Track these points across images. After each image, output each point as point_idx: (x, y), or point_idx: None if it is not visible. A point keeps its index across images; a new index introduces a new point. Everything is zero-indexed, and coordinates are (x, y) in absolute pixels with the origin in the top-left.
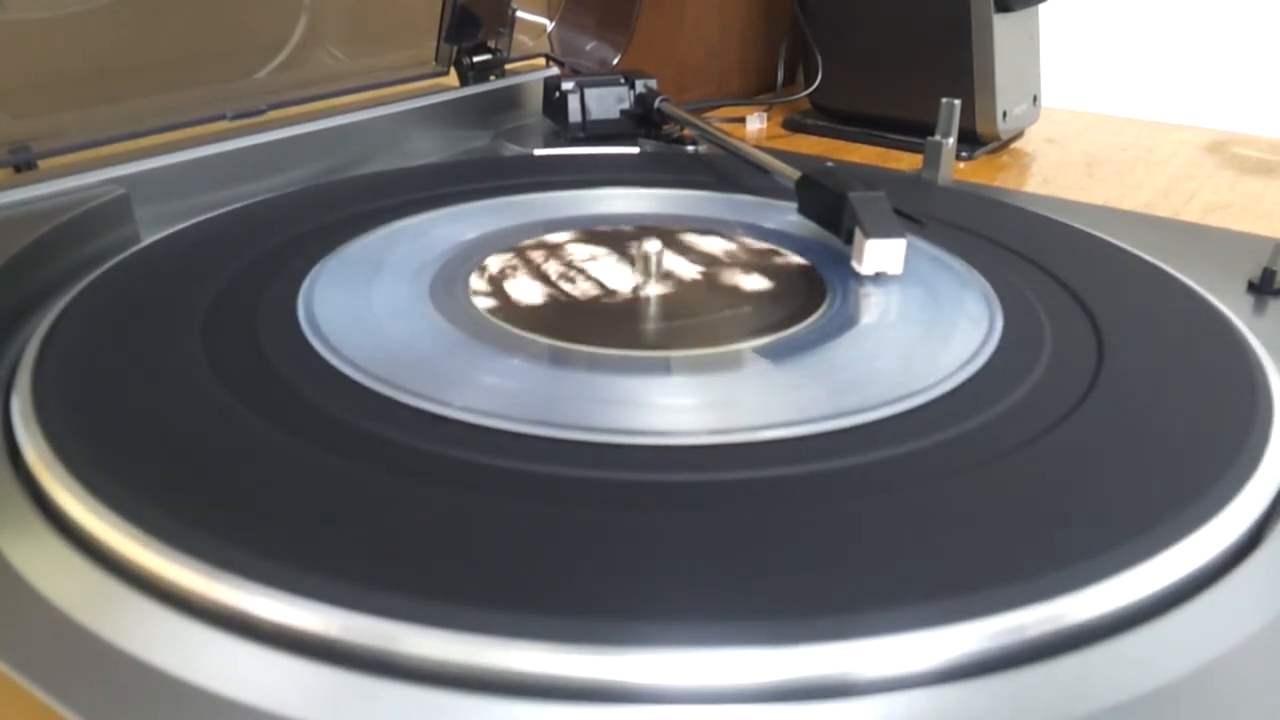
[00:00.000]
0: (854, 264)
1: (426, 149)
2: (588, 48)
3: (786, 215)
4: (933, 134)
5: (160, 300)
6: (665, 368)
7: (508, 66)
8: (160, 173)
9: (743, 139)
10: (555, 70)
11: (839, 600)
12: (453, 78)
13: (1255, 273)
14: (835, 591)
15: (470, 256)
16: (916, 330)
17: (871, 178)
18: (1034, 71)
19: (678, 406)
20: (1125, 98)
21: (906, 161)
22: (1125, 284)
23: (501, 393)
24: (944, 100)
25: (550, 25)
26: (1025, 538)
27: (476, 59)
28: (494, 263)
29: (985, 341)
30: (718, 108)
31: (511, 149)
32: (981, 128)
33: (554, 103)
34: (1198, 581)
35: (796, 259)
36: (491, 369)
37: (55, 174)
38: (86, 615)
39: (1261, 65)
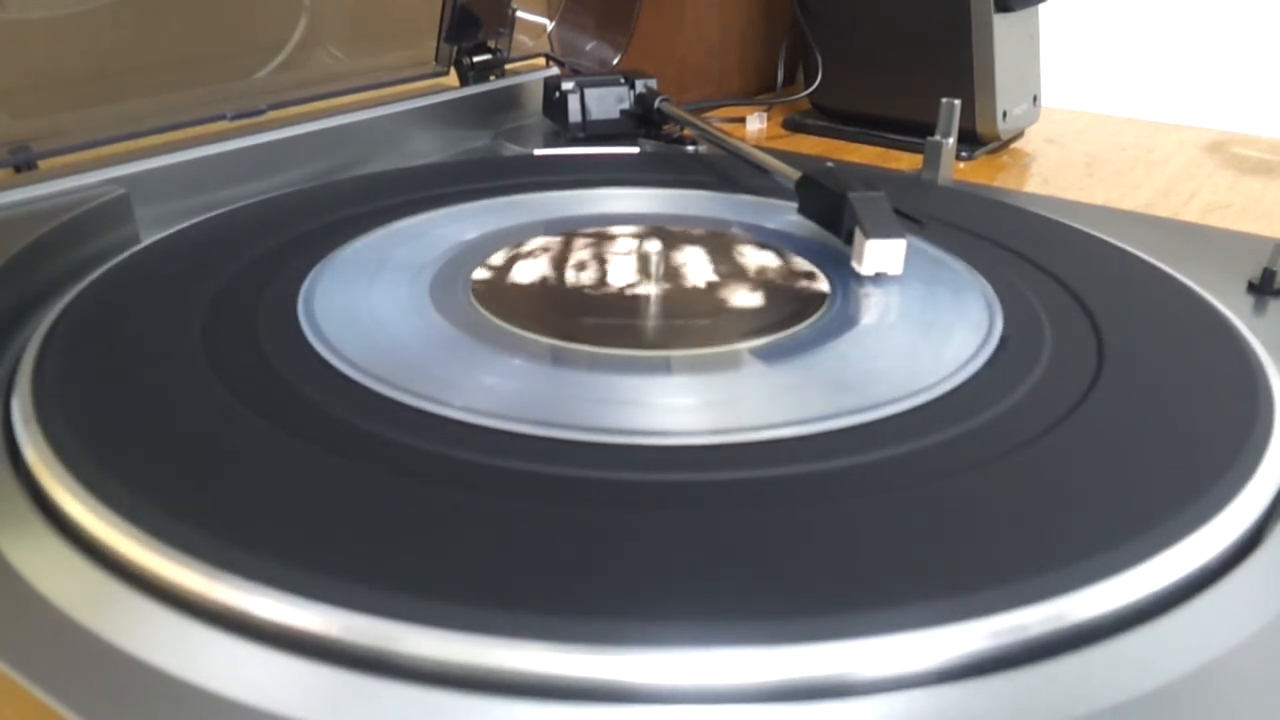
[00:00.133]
0: (854, 264)
1: (426, 149)
2: (588, 48)
3: (786, 215)
4: (933, 134)
5: (160, 300)
6: (665, 367)
7: (508, 66)
8: (160, 173)
9: (743, 139)
10: (555, 70)
11: (839, 600)
12: (453, 78)
13: (1255, 273)
14: (835, 591)
15: (470, 257)
16: (916, 330)
17: (871, 178)
18: (1034, 71)
19: (678, 406)
20: (1125, 98)
21: (906, 161)
22: (1125, 284)
23: (501, 393)
24: (944, 100)
25: (550, 25)
26: (1025, 538)
27: (476, 59)
28: (536, 243)
29: (985, 342)
30: (718, 108)
31: (511, 149)
32: (981, 128)
33: (554, 103)
34: (1198, 581)
35: (797, 259)
36: (491, 369)
37: (55, 174)
38: (86, 615)
39: (1261, 65)
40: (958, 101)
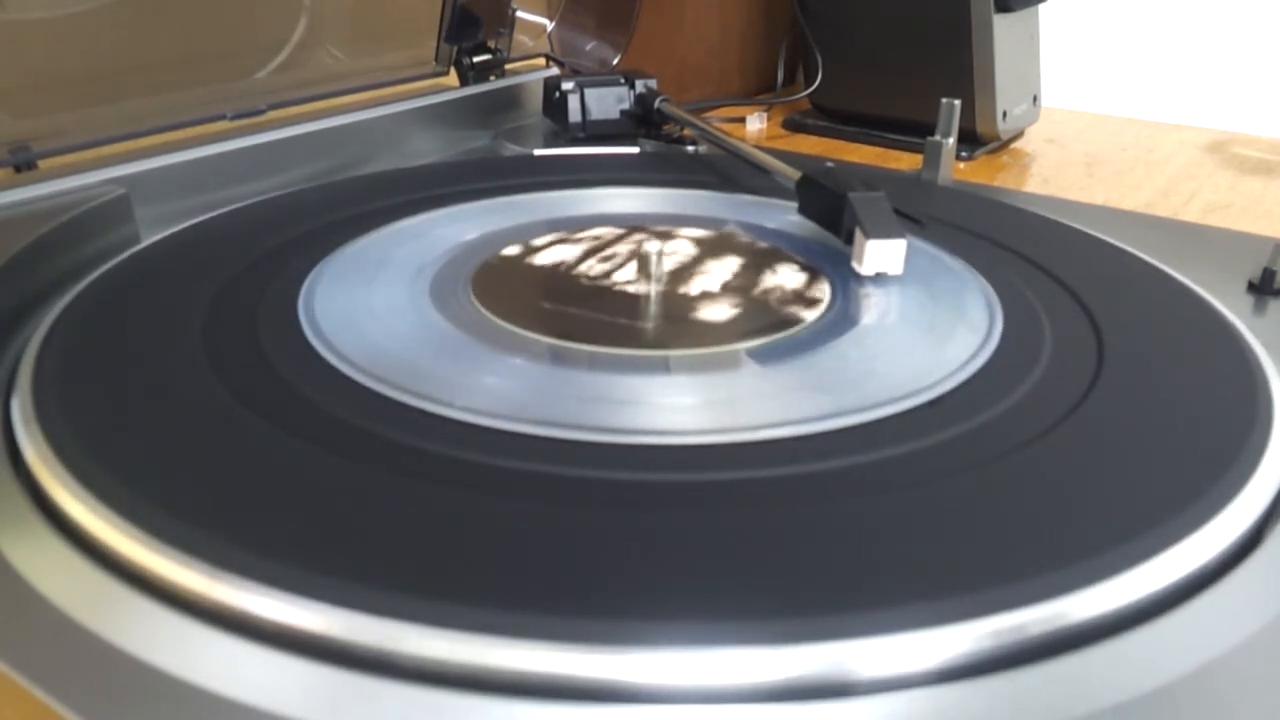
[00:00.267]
0: (854, 264)
1: (426, 149)
2: (588, 48)
3: (786, 215)
4: (933, 134)
5: (160, 300)
6: (665, 367)
7: (508, 66)
8: (160, 173)
9: (743, 139)
10: (555, 70)
11: (839, 600)
12: (453, 78)
13: (1255, 273)
14: (835, 591)
15: (470, 257)
16: (916, 330)
17: (871, 178)
18: (1034, 71)
19: (678, 406)
20: (1125, 98)
21: (906, 161)
22: (1125, 284)
23: (501, 392)
24: (944, 100)
25: (550, 25)
26: (1025, 538)
27: (476, 59)
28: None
29: (985, 342)
30: (718, 108)
31: (511, 149)
32: (981, 128)
33: (554, 103)
34: (1198, 581)
35: (797, 259)
36: (492, 369)
37: (55, 174)
38: (86, 615)
39: (1261, 65)
40: (958, 101)
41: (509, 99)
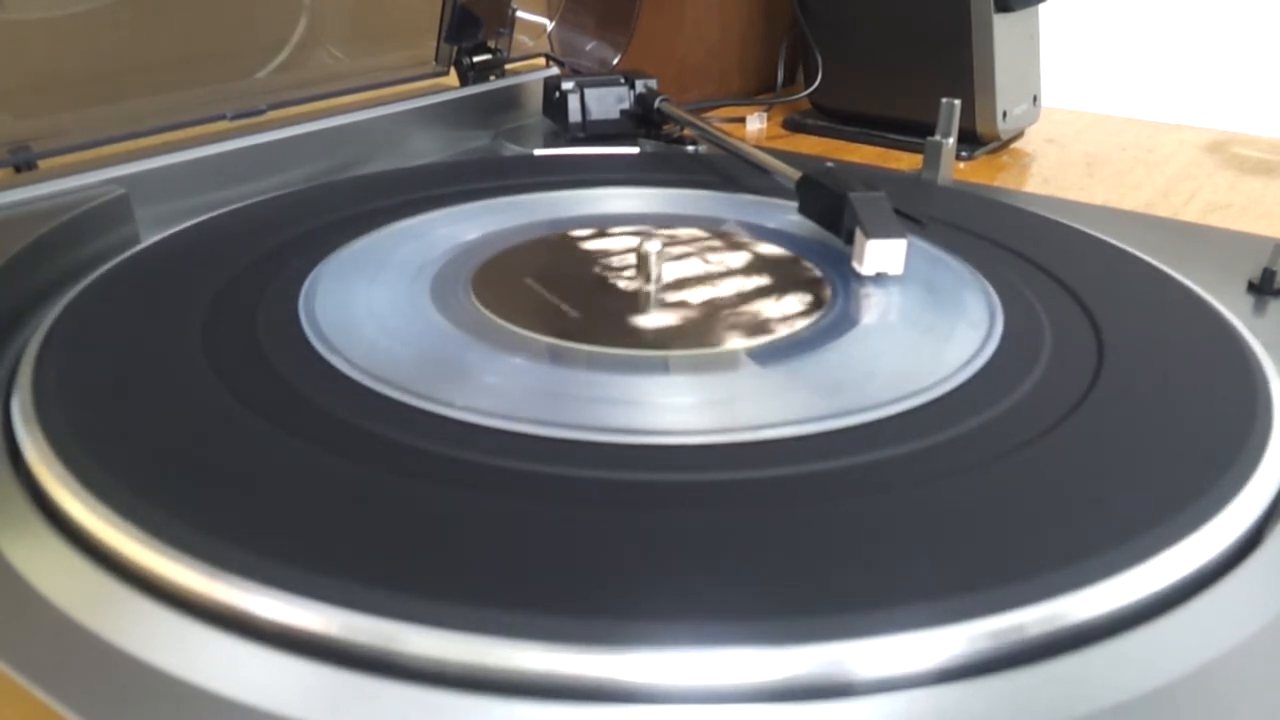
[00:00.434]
0: (854, 264)
1: (426, 149)
2: (588, 48)
3: (786, 215)
4: (933, 134)
5: (160, 300)
6: (665, 367)
7: (508, 66)
8: (160, 173)
9: (743, 139)
10: (555, 70)
11: (839, 600)
12: (453, 78)
13: (1255, 273)
14: (835, 591)
15: (470, 257)
16: (917, 330)
17: (871, 178)
18: (1034, 71)
19: (678, 406)
20: (1125, 98)
21: (906, 161)
22: (1125, 284)
23: (501, 392)
24: (944, 100)
25: (550, 25)
26: (1025, 538)
27: (476, 59)
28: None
29: (985, 342)
30: (718, 108)
31: (511, 149)
32: (981, 128)
33: (554, 103)
34: (1198, 581)
35: (797, 259)
36: (492, 369)
37: (55, 174)
38: (86, 615)
39: (1261, 65)
40: (958, 101)
41: (509, 99)
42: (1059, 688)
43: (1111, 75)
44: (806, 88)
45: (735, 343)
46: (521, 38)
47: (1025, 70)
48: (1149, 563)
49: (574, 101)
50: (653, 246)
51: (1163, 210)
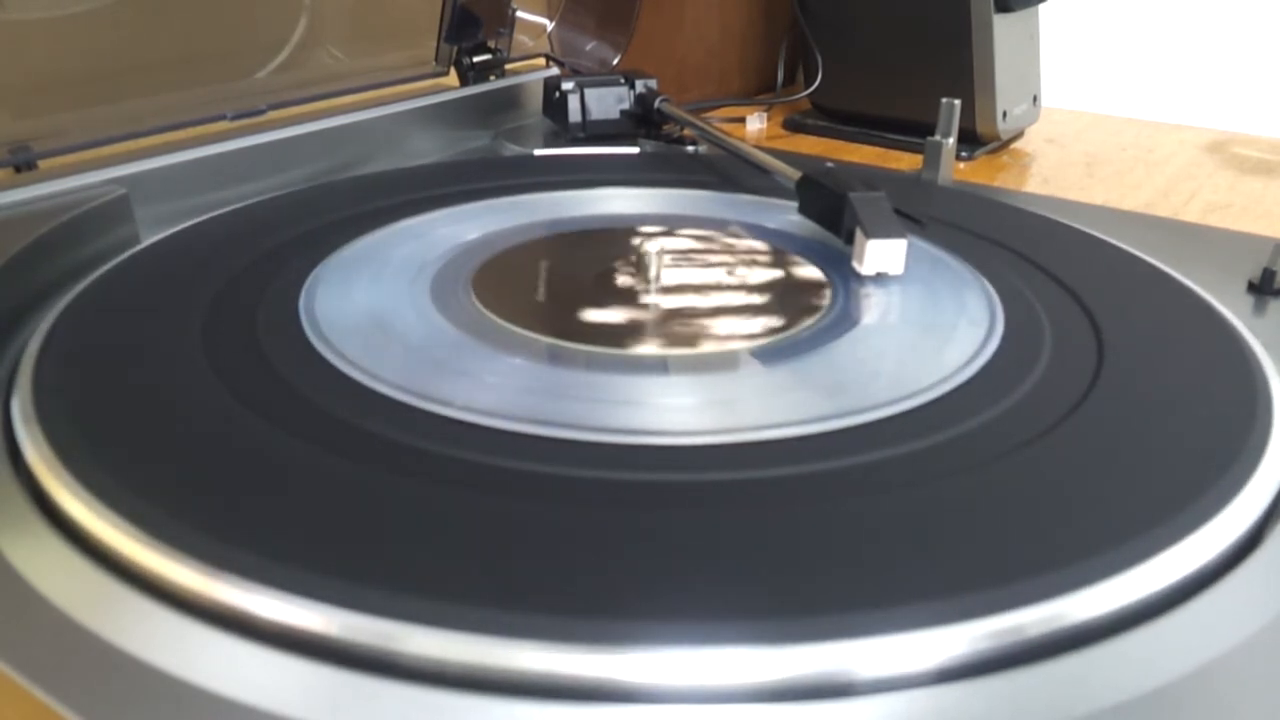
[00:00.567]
0: (854, 264)
1: (426, 149)
2: (588, 48)
3: (786, 215)
4: (933, 134)
5: (160, 300)
6: (664, 368)
7: (508, 66)
8: (160, 173)
9: (743, 139)
10: (555, 70)
11: (839, 600)
12: (453, 78)
13: (1255, 273)
14: (835, 591)
15: (470, 257)
16: (917, 330)
17: (871, 178)
18: (1034, 71)
19: (678, 406)
20: (1125, 98)
21: (906, 161)
22: (1125, 284)
23: (501, 392)
24: (944, 100)
25: (550, 25)
26: (1025, 538)
27: (476, 59)
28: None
29: (985, 342)
30: (718, 108)
31: (511, 149)
32: (981, 128)
33: (554, 103)
34: (1198, 581)
35: (797, 259)
36: (491, 369)
37: (55, 174)
38: (86, 615)
39: (1261, 65)
40: (958, 101)
41: (509, 99)
42: (1059, 688)
43: (1111, 75)
44: (806, 88)
45: (735, 343)
46: (521, 38)
47: (1025, 70)
48: (1149, 563)
49: (574, 101)
50: (653, 246)
51: (1163, 210)
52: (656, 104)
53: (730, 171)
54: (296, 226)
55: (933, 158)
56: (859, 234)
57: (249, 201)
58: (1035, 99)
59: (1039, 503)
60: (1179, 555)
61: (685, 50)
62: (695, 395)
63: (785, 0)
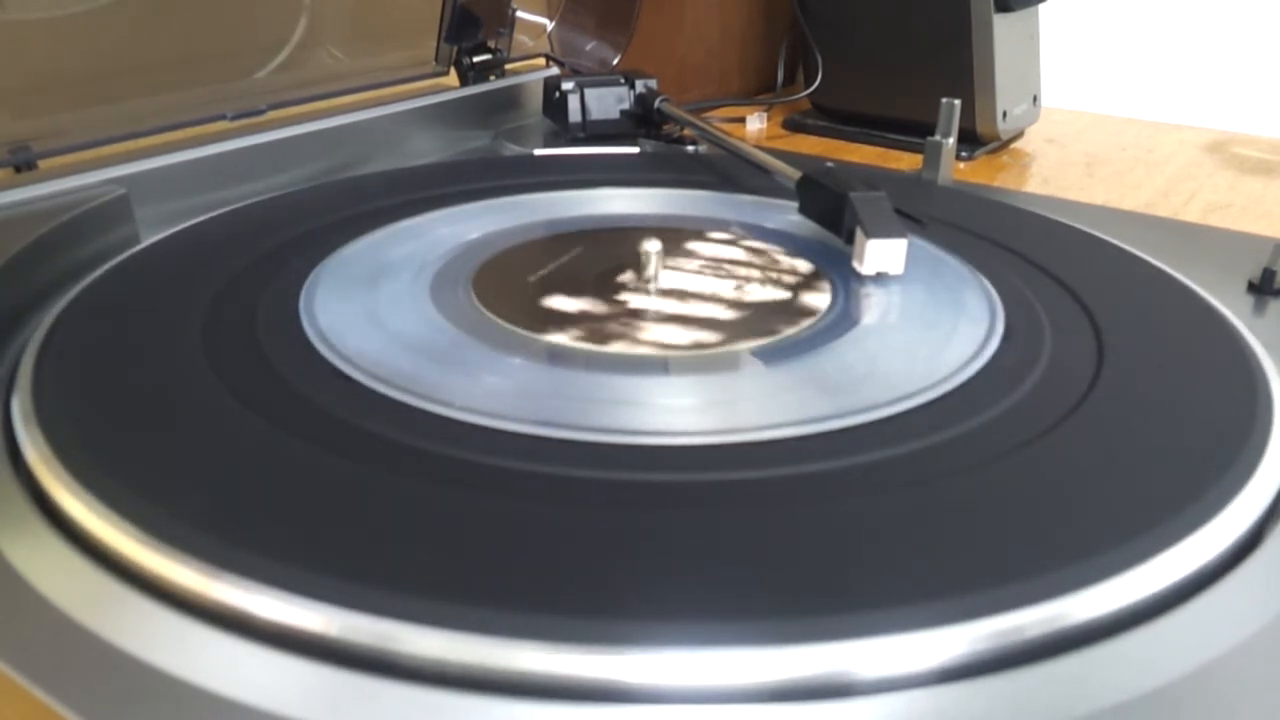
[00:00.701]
0: (855, 264)
1: (426, 149)
2: (588, 48)
3: (786, 215)
4: (933, 134)
5: (160, 300)
6: (664, 368)
7: (508, 66)
8: (160, 173)
9: (743, 139)
10: (555, 70)
11: (839, 600)
12: (453, 78)
13: (1255, 273)
14: (835, 591)
15: (470, 257)
16: (917, 330)
17: (871, 178)
18: (1034, 71)
19: (679, 407)
20: (1125, 98)
21: (906, 161)
22: (1125, 284)
23: (501, 392)
24: (944, 100)
25: (550, 25)
26: (1025, 538)
27: (476, 59)
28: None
29: (985, 342)
30: (718, 108)
31: (511, 149)
32: (981, 128)
33: (554, 103)
34: (1198, 581)
35: (797, 259)
36: (492, 369)
37: (55, 174)
38: (86, 615)
39: (1261, 65)
40: (958, 101)
41: (509, 99)
42: (1059, 688)
43: (1111, 75)
44: (806, 88)
45: (735, 343)
46: (521, 38)
47: (1025, 70)
48: (1149, 563)
49: (574, 101)
50: (653, 246)
51: (1163, 210)
52: (656, 104)
53: (730, 171)
54: (296, 226)
55: (933, 158)
56: (859, 234)
57: (249, 201)
58: (1035, 99)
59: (1039, 503)
60: (1179, 556)
61: (685, 50)
62: (695, 395)
63: (785, 0)
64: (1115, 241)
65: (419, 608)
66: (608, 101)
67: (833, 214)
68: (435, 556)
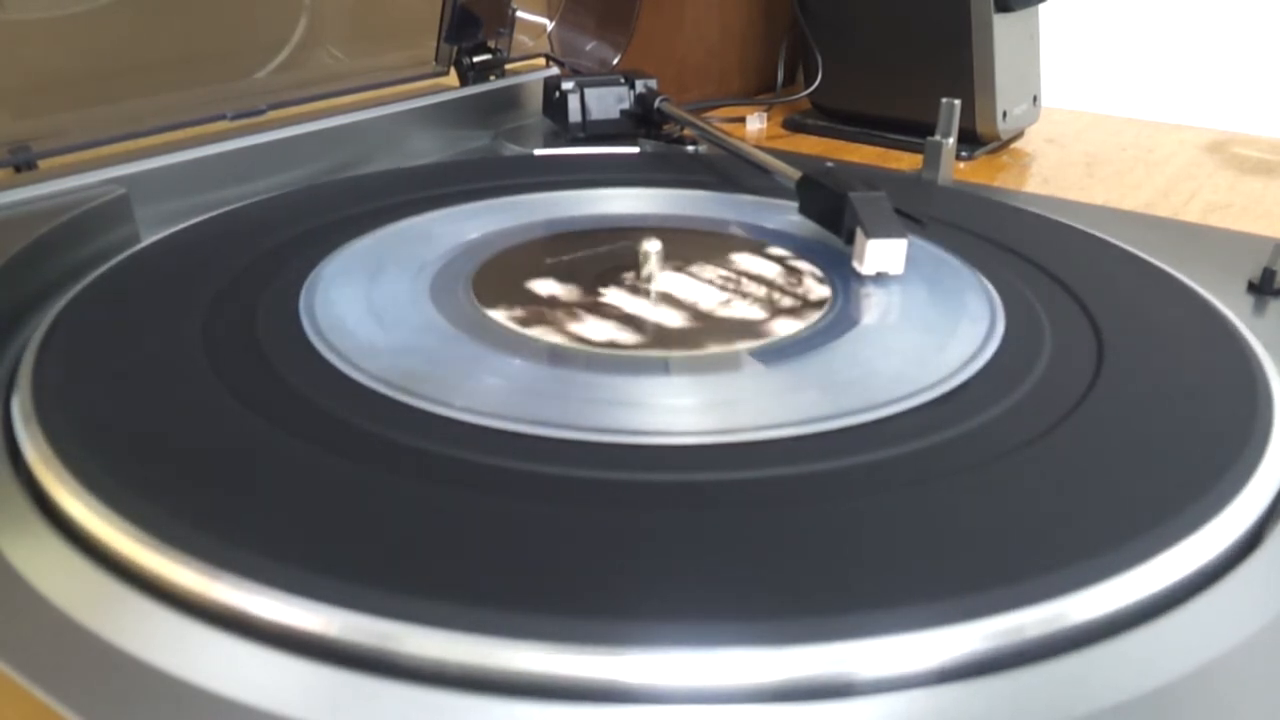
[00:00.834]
0: (855, 264)
1: (426, 149)
2: (588, 48)
3: (786, 215)
4: (933, 134)
5: (160, 300)
6: (664, 368)
7: (508, 66)
8: (160, 173)
9: (743, 139)
10: (555, 70)
11: (839, 600)
12: (453, 78)
13: (1255, 273)
14: (835, 591)
15: (470, 257)
16: (917, 330)
17: (871, 178)
18: (1034, 71)
19: (679, 407)
20: (1125, 98)
21: (906, 161)
22: (1125, 284)
23: (501, 392)
24: (944, 100)
25: (550, 25)
26: (1025, 538)
27: (476, 59)
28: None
29: (985, 342)
30: (718, 108)
31: (511, 149)
32: (981, 128)
33: (554, 103)
34: (1198, 581)
35: (797, 259)
36: (492, 369)
37: (55, 174)
38: (86, 615)
39: (1261, 65)
40: (958, 101)
41: (509, 99)
42: (1059, 688)
43: (1111, 75)
44: (806, 88)
45: (735, 343)
46: (521, 38)
47: (1025, 70)
48: (1149, 563)
49: (574, 101)
50: (652, 246)
51: (1163, 210)
52: (656, 104)
53: (730, 171)
54: (296, 226)
55: (933, 158)
56: (859, 234)
57: (249, 201)
58: (1035, 99)
59: (1039, 503)
60: (1179, 555)
61: (685, 50)
62: (696, 395)
63: (785, 0)
64: (1115, 241)
65: (419, 608)
66: (608, 101)
67: (833, 214)
68: (435, 556)
